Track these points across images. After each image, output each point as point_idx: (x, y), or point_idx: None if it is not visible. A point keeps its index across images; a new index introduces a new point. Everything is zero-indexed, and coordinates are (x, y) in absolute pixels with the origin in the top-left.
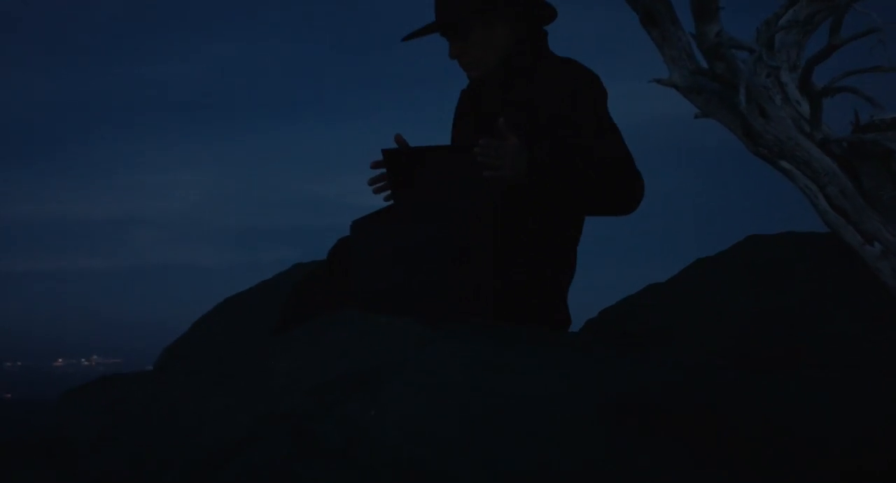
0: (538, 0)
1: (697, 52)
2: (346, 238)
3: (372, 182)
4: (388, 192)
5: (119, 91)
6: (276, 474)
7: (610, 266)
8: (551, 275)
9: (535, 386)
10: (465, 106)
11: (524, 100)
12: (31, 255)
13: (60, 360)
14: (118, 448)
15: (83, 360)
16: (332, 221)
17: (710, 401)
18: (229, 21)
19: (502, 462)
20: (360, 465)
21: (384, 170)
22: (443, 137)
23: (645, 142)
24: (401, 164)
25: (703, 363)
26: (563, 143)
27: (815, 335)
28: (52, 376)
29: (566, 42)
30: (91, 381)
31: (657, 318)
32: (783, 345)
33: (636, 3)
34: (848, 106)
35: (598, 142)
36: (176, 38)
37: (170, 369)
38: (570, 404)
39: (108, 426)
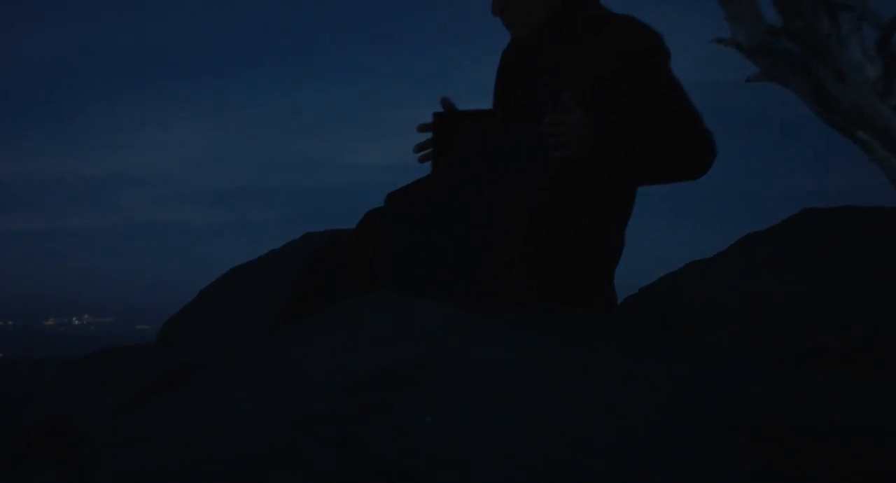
0: None
1: (766, 9)
2: (374, 211)
3: (418, 149)
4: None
5: (111, 48)
6: None
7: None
8: (601, 255)
9: (628, 393)
10: (509, 68)
11: (578, 61)
12: (22, 214)
13: (52, 319)
14: (135, 447)
15: (74, 319)
16: (323, 181)
17: (846, 422)
18: None
19: None
20: None
21: (430, 136)
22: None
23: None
24: (450, 131)
25: (794, 362)
26: (626, 111)
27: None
28: (43, 335)
29: None
30: (91, 354)
31: (708, 300)
32: (861, 336)
33: None
34: None
35: (664, 105)
36: None
37: (175, 344)
38: (679, 421)
39: (118, 416)
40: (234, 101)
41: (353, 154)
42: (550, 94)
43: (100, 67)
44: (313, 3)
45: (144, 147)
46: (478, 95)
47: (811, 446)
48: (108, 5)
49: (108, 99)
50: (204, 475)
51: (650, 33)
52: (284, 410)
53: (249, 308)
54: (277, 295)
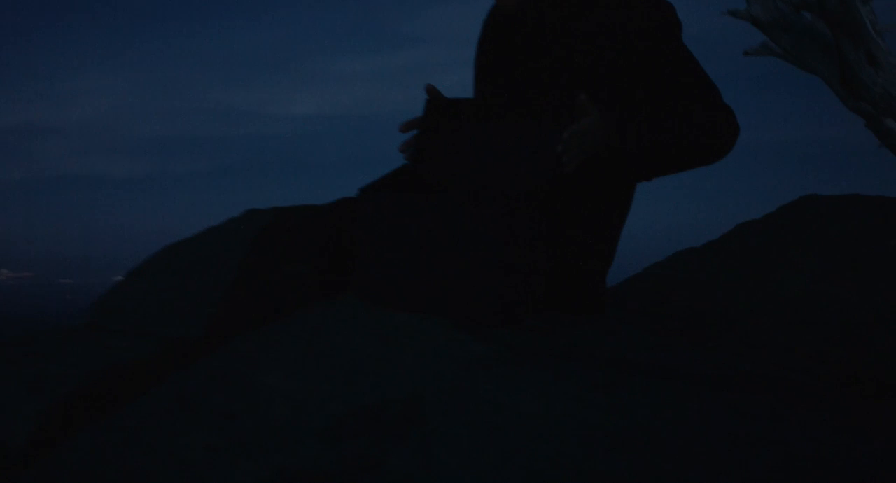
0: None
1: None
2: (346, 200)
3: (405, 147)
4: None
5: None
6: None
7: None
8: (599, 257)
9: (671, 453)
10: (495, 42)
11: (579, 36)
12: None
13: None
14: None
15: None
16: (251, 131)
17: None
18: None
19: None
20: None
21: (414, 134)
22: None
23: None
24: (441, 121)
25: (845, 391)
26: (639, 92)
27: None
28: None
29: None
30: (12, 338)
31: (705, 297)
32: (887, 348)
33: None
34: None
35: (681, 82)
36: None
37: (106, 330)
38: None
39: (44, 428)
40: (155, 47)
41: (282, 104)
42: (549, 75)
43: (5, 8)
44: None
45: (59, 95)
46: (413, 47)
47: None
48: None
49: (17, 44)
50: None
51: (661, 3)
52: (248, 463)
53: (188, 290)
54: (219, 276)
